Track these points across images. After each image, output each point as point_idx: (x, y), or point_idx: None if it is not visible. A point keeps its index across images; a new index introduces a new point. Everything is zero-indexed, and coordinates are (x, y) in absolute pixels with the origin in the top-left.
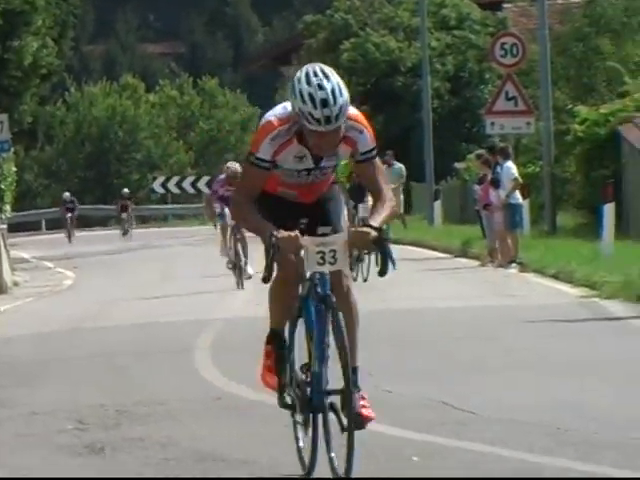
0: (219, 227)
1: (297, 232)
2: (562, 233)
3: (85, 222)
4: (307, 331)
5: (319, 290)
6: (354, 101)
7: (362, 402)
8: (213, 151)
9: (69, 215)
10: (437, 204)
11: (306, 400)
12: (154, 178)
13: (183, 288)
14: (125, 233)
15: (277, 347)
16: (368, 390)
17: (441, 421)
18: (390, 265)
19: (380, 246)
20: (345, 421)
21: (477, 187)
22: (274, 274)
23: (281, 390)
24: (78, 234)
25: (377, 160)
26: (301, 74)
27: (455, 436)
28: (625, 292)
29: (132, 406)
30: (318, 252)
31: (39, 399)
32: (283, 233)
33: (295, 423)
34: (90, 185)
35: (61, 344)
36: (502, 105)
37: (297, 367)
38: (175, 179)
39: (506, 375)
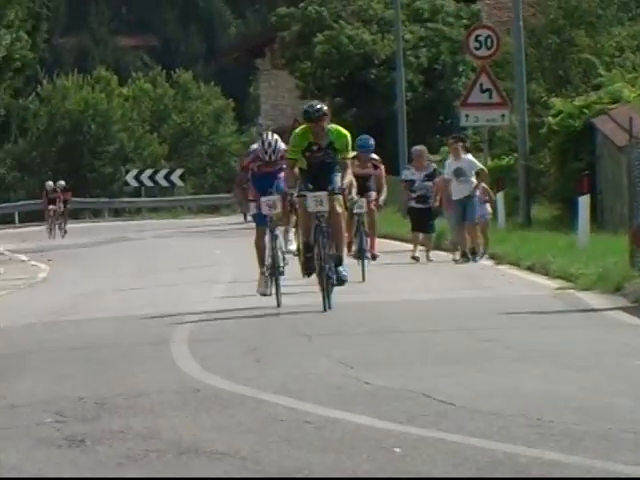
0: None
1: None
2: (537, 225)
3: None
4: None
5: None
6: (328, 94)
7: None
8: (187, 143)
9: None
10: None
11: None
12: (127, 171)
13: (159, 280)
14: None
15: None
16: (349, 383)
17: (421, 412)
18: None
19: None
20: None
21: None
22: None
23: None
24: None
25: None
26: None
27: (436, 427)
28: (601, 284)
29: (111, 398)
30: None
31: (17, 392)
32: None
33: None
34: (63, 178)
35: (38, 337)
36: (476, 97)
37: None
38: (148, 172)
39: (484, 366)
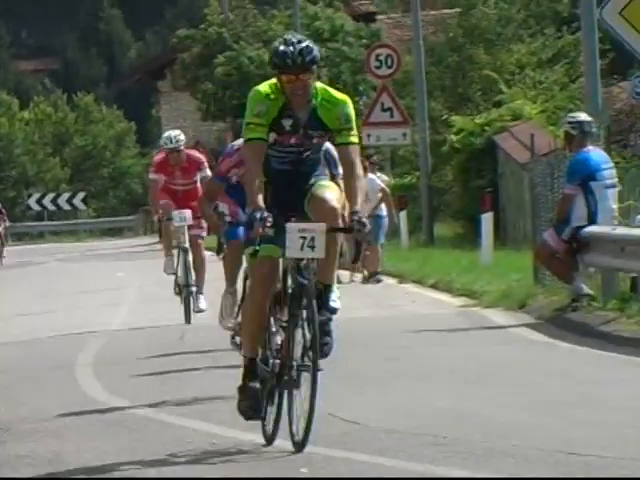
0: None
1: None
2: (440, 243)
3: None
4: None
5: None
6: (229, 115)
7: None
8: (89, 166)
9: None
10: None
11: None
12: (29, 195)
13: (63, 304)
14: None
15: None
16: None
17: (327, 432)
18: None
19: None
20: None
21: None
22: None
23: None
24: None
25: None
26: None
27: (341, 446)
28: (505, 301)
29: (17, 423)
30: None
31: None
32: None
33: None
34: None
35: None
36: (378, 116)
37: None
38: (51, 195)
39: (389, 384)
